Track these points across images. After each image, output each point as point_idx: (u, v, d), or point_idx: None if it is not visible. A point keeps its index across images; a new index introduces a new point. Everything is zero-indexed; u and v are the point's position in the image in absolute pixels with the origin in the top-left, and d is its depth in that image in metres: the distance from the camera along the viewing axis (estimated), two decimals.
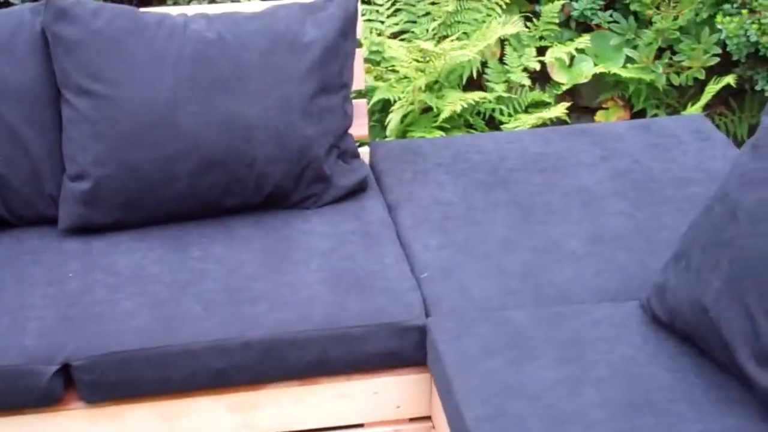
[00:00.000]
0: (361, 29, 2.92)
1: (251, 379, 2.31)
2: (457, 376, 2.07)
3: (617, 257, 2.48)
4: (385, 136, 3.41)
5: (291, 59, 2.63)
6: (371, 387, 2.37)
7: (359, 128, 3.01)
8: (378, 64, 3.58)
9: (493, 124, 3.62)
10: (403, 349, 2.32)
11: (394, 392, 2.38)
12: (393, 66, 3.47)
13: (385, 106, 3.51)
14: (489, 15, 3.64)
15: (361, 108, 3.00)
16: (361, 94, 3.33)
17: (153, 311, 2.31)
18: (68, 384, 2.27)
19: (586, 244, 2.53)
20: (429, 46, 3.23)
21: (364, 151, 3.06)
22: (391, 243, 2.57)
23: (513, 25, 3.44)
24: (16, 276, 2.44)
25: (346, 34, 2.73)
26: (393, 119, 3.35)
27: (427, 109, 3.50)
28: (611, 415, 1.93)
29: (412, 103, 3.32)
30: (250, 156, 2.58)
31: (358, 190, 2.79)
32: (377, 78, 3.48)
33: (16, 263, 2.50)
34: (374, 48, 3.50)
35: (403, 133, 3.43)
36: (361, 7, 3.68)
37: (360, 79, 2.98)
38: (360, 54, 2.96)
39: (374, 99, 3.41)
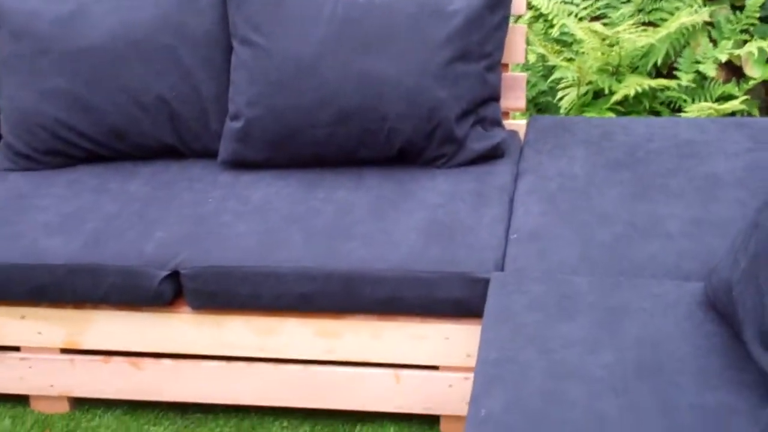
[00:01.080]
0: (523, 6, 2.98)
1: (333, 306, 2.46)
2: (490, 326, 2.12)
3: (710, 241, 2.40)
4: (559, 113, 3.44)
5: (432, 26, 2.75)
6: (443, 332, 2.46)
7: (516, 101, 3.08)
8: (570, 45, 3.60)
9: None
10: (470, 299, 2.39)
11: (464, 340, 2.46)
12: (581, 48, 3.48)
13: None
14: (690, 5, 3.55)
15: (519, 81, 3.07)
16: (521, 69, 3.38)
17: (259, 236, 2.53)
18: (179, 292, 2.54)
19: (684, 225, 2.47)
20: (600, 28, 3.22)
21: (522, 123, 3.13)
22: (499, 206, 2.63)
23: (700, 16, 3.34)
24: (167, 196, 2.75)
25: (493, 7, 2.81)
26: (566, 98, 3.37)
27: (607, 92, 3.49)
28: (612, 376, 1.92)
29: (581, 84, 3.33)
30: (381, 111, 2.73)
31: (492, 156, 2.87)
32: (565, 59, 3.51)
33: (173, 186, 2.80)
34: (565, 29, 3.53)
35: (579, 113, 3.44)
36: None
37: (520, 53, 3.05)
38: (522, 30, 3.02)
39: (552, 77, 3.44)
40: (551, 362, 1.98)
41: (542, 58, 3.53)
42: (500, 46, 2.88)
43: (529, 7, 3.62)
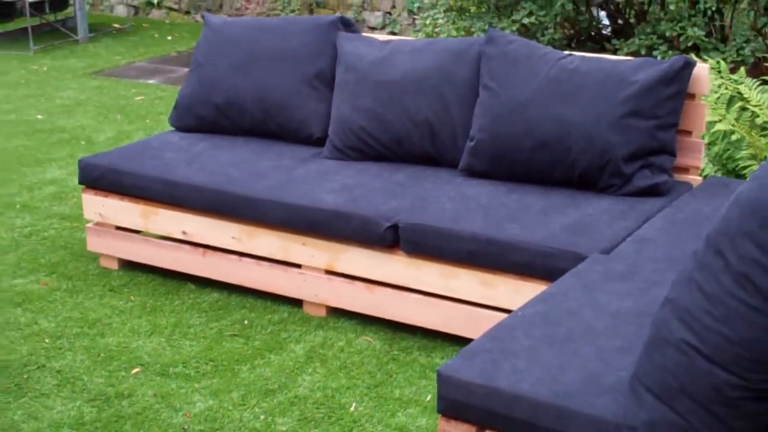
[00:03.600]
0: (707, 87, 3.63)
1: (490, 264, 3.29)
2: (565, 276, 2.86)
3: None
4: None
5: (614, 89, 3.51)
6: None
7: (694, 161, 3.72)
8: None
9: None
10: None
11: None
12: None
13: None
14: None
15: (698, 146, 3.70)
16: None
17: (456, 213, 3.42)
18: (397, 240, 3.49)
19: None
20: None
21: (698, 179, 3.74)
22: (633, 221, 3.32)
23: None
24: (415, 185, 3.72)
25: (668, 82, 3.50)
26: (749, 168, 3.91)
27: None
28: (621, 311, 2.59)
29: (758, 158, 3.86)
30: (567, 145, 3.53)
31: (654, 193, 3.54)
32: (756, 138, 4.04)
33: (422, 180, 3.76)
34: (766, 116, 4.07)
35: None
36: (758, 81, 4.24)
37: (701, 124, 3.68)
38: (703, 106, 3.66)
39: (743, 152, 4.00)
40: (588, 298, 2.69)
41: (744, 138, 4.09)
42: (673, 113, 3.55)
43: (742, 98, 4.19)
